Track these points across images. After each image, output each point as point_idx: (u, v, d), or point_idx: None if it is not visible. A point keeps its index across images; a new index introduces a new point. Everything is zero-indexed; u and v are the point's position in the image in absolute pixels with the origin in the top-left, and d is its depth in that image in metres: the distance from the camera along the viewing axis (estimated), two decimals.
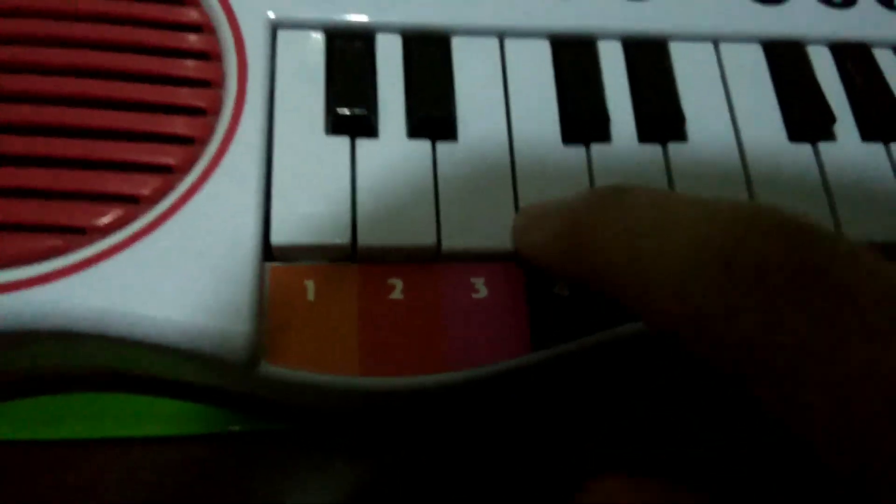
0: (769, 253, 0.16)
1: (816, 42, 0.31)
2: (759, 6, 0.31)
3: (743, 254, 0.17)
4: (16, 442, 0.26)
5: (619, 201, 0.20)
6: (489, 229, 0.25)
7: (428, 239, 0.25)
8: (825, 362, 0.15)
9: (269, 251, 0.25)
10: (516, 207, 0.26)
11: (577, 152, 0.27)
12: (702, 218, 0.18)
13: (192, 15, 0.27)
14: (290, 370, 0.23)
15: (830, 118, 0.29)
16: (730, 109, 0.29)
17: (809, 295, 0.16)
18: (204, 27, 0.27)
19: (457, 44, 0.29)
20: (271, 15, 0.28)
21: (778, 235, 0.17)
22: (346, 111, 0.26)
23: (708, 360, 0.17)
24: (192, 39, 0.27)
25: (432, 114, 0.27)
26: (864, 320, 0.15)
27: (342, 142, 0.26)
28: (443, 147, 0.27)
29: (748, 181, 0.28)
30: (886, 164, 0.29)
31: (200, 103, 0.26)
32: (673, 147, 0.28)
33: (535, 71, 0.29)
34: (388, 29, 0.29)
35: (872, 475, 0.14)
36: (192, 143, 0.25)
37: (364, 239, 0.25)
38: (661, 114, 0.28)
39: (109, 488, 0.25)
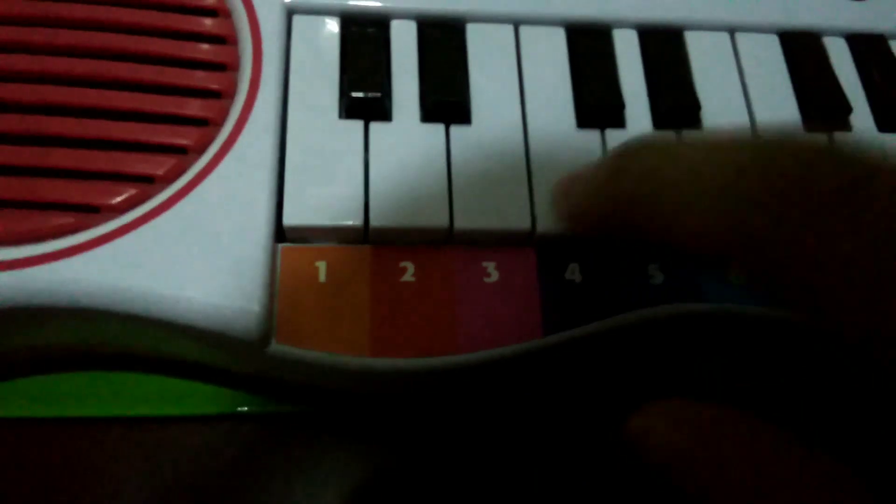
0: (813, 167, 0.17)
1: (833, 33, 0.31)
2: None
3: (786, 170, 0.17)
4: (28, 419, 0.26)
5: (650, 143, 0.20)
6: (502, 210, 0.25)
7: (440, 221, 0.25)
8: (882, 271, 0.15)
9: (281, 232, 0.25)
10: (530, 190, 0.26)
11: (591, 137, 0.27)
12: (741, 143, 0.18)
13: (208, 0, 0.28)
14: (300, 349, 0.23)
15: (847, 108, 0.29)
16: (745, 98, 0.29)
17: (856, 205, 0.16)
18: (220, 11, 0.28)
19: (471, 30, 0.29)
20: (286, 0, 0.28)
21: (821, 152, 0.17)
22: (360, 94, 0.26)
23: (762, 280, 0.18)
24: (209, 23, 0.27)
25: (446, 98, 0.27)
26: None
27: (356, 125, 0.26)
28: (456, 131, 0.27)
29: None
30: None
31: (216, 86, 0.26)
32: (687, 132, 0.28)
33: (550, 58, 0.29)
34: (402, 15, 0.29)
35: None
36: (207, 125, 0.25)
37: (376, 221, 0.25)
38: (676, 101, 0.28)
39: (121, 467, 0.26)
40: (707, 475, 0.17)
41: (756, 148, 0.18)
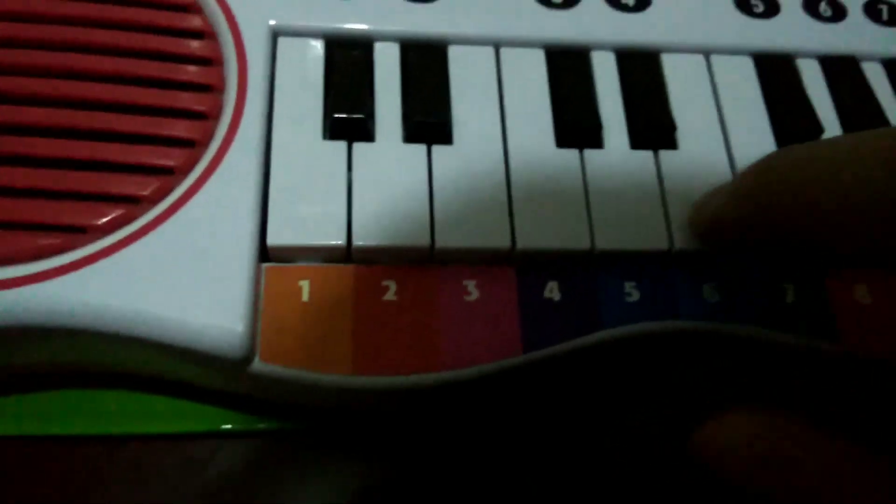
0: None
1: (806, 55, 0.32)
2: (749, 19, 0.32)
3: None
4: (11, 437, 0.26)
5: (790, 153, 0.21)
6: (483, 229, 0.26)
7: (422, 240, 0.25)
8: None
9: (265, 252, 0.25)
10: (510, 208, 0.26)
11: (570, 156, 0.28)
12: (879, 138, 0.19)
13: (194, 21, 0.28)
14: (283, 368, 0.24)
15: (819, 129, 0.30)
16: (720, 119, 0.30)
17: None
18: (206, 33, 0.28)
19: (453, 52, 0.29)
20: (272, 22, 0.29)
21: None
22: (343, 115, 0.27)
23: None
24: (194, 45, 0.28)
25: (428, 119, 0.27)
26: None
27: (339, 146, 0.27)
28: (438, 151, 0.27)
29: None
30: None
31: (201, 107, 0.27)
32: (664, 154, 0.28)
33: (529, 79, 0.29)
34: (386, 37, 0.29)
35: None
36: (193, 146, 0.26)
37: (359, 240, 0.25)
38: (652, 122, 0.29)
39: (105, 485, 0.26)
40: (780, 483, 0.17)
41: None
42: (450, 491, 0.27)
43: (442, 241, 0.26)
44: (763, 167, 0.22)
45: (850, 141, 0.20)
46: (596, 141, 0.29)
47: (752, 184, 0.23)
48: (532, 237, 0.26)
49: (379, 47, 0.29)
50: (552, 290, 0.26)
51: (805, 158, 0.21)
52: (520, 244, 0.26)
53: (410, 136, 0.27)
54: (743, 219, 0.24)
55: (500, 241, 0.26)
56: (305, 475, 0.27)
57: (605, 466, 0.28)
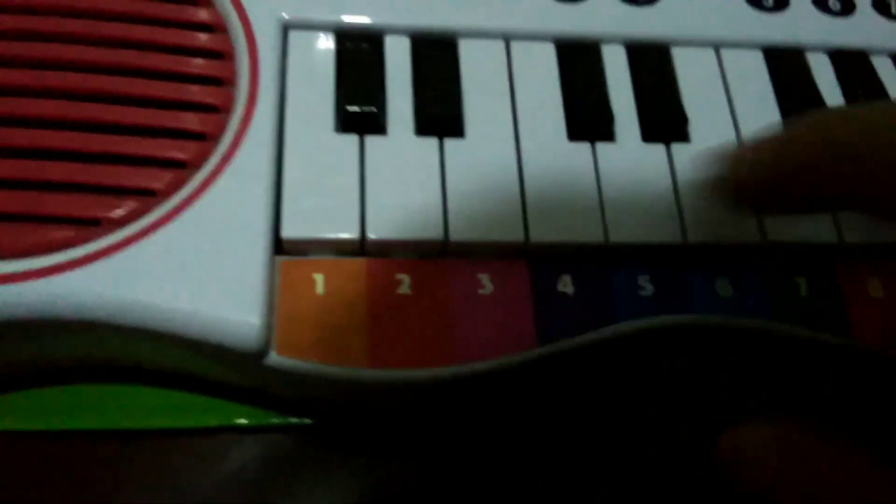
0: None
1: (816, 49, 0.32)
2: (759, 13, 0.32)
3: None
4: (24, 432, 0.26)
5: (836, 109, 0.22)
6: (496, 223, 0.26)
7: (436, 234, 0.25)
8: None
9: (279, 245, 0.25)
10: (522, 202, 0.26)
11: (581, 150, 0.28)
12: None
13: (205, 15, 0.28)
14: (299, 361, 0.24)
15: None
16: (731, 112, 0.30)
17: None
18: (217, 27, 0.28)
19: (464, 45, 0.29)
20: (283, 16, 0.29)
21: None
22: (356, 109, 0.27)
23: None
24: (205, 38, 0.28)
25: (440, 113, 0.27)
26: None
27: (352, 139, 0.27)
28: (450, 144, 0.27)
29: None
30: None
31: (213, 100, 0.26)
32: (676, 148, 0.28)
33: (540, 73, 0.29)
34: (396, 31, 0.29)
35: None
36: (205, 139, 0.26)
37: (372, 233, 0.25)
38: (664, 115, 0.29)
39: (119, 480, 0.26)
40: (800, 496, 0.17)
41: None
42: (462, 487, 0.27)
43: (456, 235, 0.25)
44: (818, 122, 0.22)
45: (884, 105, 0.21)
46: (608, 134, 0.29)
47: (806, 137, 0.22)
48: (545, 231, 0.26)
49: (390, 41, 0.29)
50: (566, 284, 0.26)
51: (852, 116, 0.21)
52: (533, 238, 0.26)
53: (422, 129, 0.27)
54: (793, 174, 0.22)
55: (514, 234, 0.26)
56: (319, 471, 0.27)
57: (611, 464, 0.28)
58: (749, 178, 0.23)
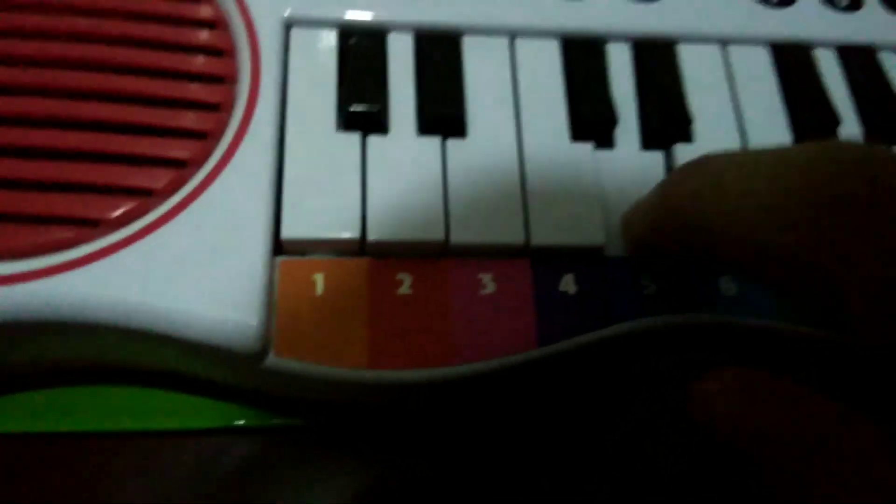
0: (843, 185, 0.18)
1: (822, 45, 0.32)
2: (766, 9, 0.32)
3: (821, 188, 0.18)
4: (24, 434, 0.26)
5: (700, 163, 0.21)
6: (497, 224, 0.26)
7: (437, 234, 0.25)
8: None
9: (279, 245, 0.25)
10: (524, 203, 0.26)
11: (584, 150, 0.28)
12: (781, 161, 0.19)
13: (206, 11, 0.28)
14: (298, 362, 0.24)
15: (835, 121, 0.29)
16: (736, 111, 0.29)
17: (882, 219, 0.17)
18: (218, 24, 0.28)
19: (468, 43, 0.29)
20: (285, 13, 0.28)
21: (850, 169, 0.18)
22: (358, 107, 0.27)
23: (791, 286, 0.19)
24: (206, 36, 0.27)
25: (443, 112, 0.27)
26: None
27: (353, 138, 0.26)
28: (453, 144, 0.27)
29: None
30: None
31: (214, 99, 0.26)
32: (679, 148, 0.28)
33: (544, 70, 0.29)
34: (399, 28, 0.29)
35: None
36: (206, 138, 0.26)
37: (373, 233, 0.25)
38: (668, 115, 0.29)
39: (117, 481, 0.26)
40: (767, 444, 0.17)
41: (795, 166, 0.19)
42: (461, 487, 0.27)
43: (457, 237, 0.25)
44: (663, 193, 0.23)
45: (745, 161, 0.21)
46: (611, 135, 0.28)
47: (658, 195, 0.23)
48: (547, 232, 0.26)
49: (393, 38, 0.29)
50: (568, 284, 0.26)
51: (697, 190, 0.21)
52: (534, 240, 0.26)
53: (425, 128, 0.27)
54: (657, 241, 0.24)
55: (515, 236, 0.26)
56: (316, 471, 0.26)
57: (612, 464, 0.28)
58: (635, 239, 0.25)
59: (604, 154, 0.28)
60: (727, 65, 0.31)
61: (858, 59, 0.32)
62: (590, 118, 0.28)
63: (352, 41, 0.28)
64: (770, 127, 0.29)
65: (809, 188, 0.18)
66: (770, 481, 0.17)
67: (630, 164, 0.28)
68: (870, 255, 0.17)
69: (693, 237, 0.21)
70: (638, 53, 0.30)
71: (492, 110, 0.28)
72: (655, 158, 0.28)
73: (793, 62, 0.31)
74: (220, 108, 0.26)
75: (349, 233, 0.25)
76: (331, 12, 0.29)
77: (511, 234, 0.26)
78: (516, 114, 0.28)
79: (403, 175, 0.26)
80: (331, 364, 0.24)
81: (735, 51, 0.31)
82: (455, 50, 0.29)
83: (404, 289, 0.25)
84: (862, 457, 0.16)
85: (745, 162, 0.20)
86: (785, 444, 0.17)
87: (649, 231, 0.24)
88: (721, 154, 0.21)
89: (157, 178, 0.25)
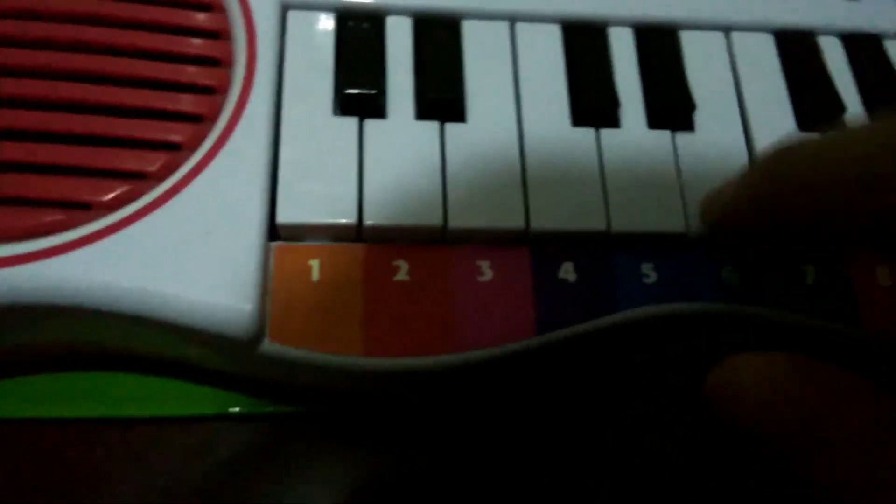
0: None
1: (827, 32, 0.31)
2: None
3: None
4: (18, 420, 0.26)
5: (794, 143, 0.21)
6: (496, 210, 0.25)
7: (435, 219, 0.25)
8: None
9: (274, 230, 0.25)
10: (524, 188, 0.26)
11: (585, 135, 0.27)
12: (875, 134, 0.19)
13: None
14: (293, 348, 0.23)
15: (840, 108, 0.29)
16: (739, 97, 0.29)
17: None
18: (214, 6, 0.27)
19: (467, 27, 0.29)
20: None
21: None
22: (355, 91, 0.26)
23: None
24: (202, 18, 0.27)
25: (441, 96, 0.27)
26: None
27: (350, 122, 0.26)
28: (451, 128, 0.26)
29: None
30: None
31: (209, 81, 0.26)
32: (682, 134, 0.28)
33: (545, 55, 0.29)
34: (398, 11, 0.29)
35: None
36: (201, 121, 0.25)
37: (370, 219, 0.25)
38: (671, 101, 0.28)
39: (114, 468, 0.25)
40: (791, 426, 0.17)
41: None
42: (459, 475, 0.26)
43: (455, 222, 0.25)
44: (774, 157, 0.22)
45: (853, 131, 0.21)
46: (613, 120, 0.28)
47: (764, 174, 0.22)
48: (547, 218, 0.26)
49: (391, 21, 0.28)
50: (567, 271, 0.26)
51: (814, 147, 0.21)
52: (534, 225, 0.25)
53: (423, 112, 0.27)
54: (755, 209, 0.23)
55: (514, 221, 0.25)
56: (312, 459, 0.26)
57: (612, 454, 0.27)
58: (721, 219, 0.25)
59: (606, 137, 0.27)
60: (731, 52, 0.30)
61: (863, 47, 0.31)
62: (591, 103, 0.28)
63: (349, 24, 0.28)
64: (774, 114, 0.29)
65: None
66: (817, 473, 0.16)
67: (633, 147, 0.27)
68: None
69: (806, 197, 0.21)
70: (640, 40, 0.30)
71: (492, 95, 0.27)
72: (658, 143, 0.28)
73: (797, 49, 0.30)
74: (216, 91, 0.26)
75: (346, 218, 0.25)
76: None
77: (511, 218, 0.25)
78: (516, 98, 0.28)
79: (401, 160, 0.26)
80: (326, 351, 0.24)
81: (738, 37, 0.30)
82: (455, 34, 0.28)
83: (401, 275, 0.25)
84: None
85: (835, 136, 0.21)
86: (848, 436, 0.16)
87: (747, 210, 0.23)
88: (819, 136, 0.21)
89: (150, 162, 0.24)
